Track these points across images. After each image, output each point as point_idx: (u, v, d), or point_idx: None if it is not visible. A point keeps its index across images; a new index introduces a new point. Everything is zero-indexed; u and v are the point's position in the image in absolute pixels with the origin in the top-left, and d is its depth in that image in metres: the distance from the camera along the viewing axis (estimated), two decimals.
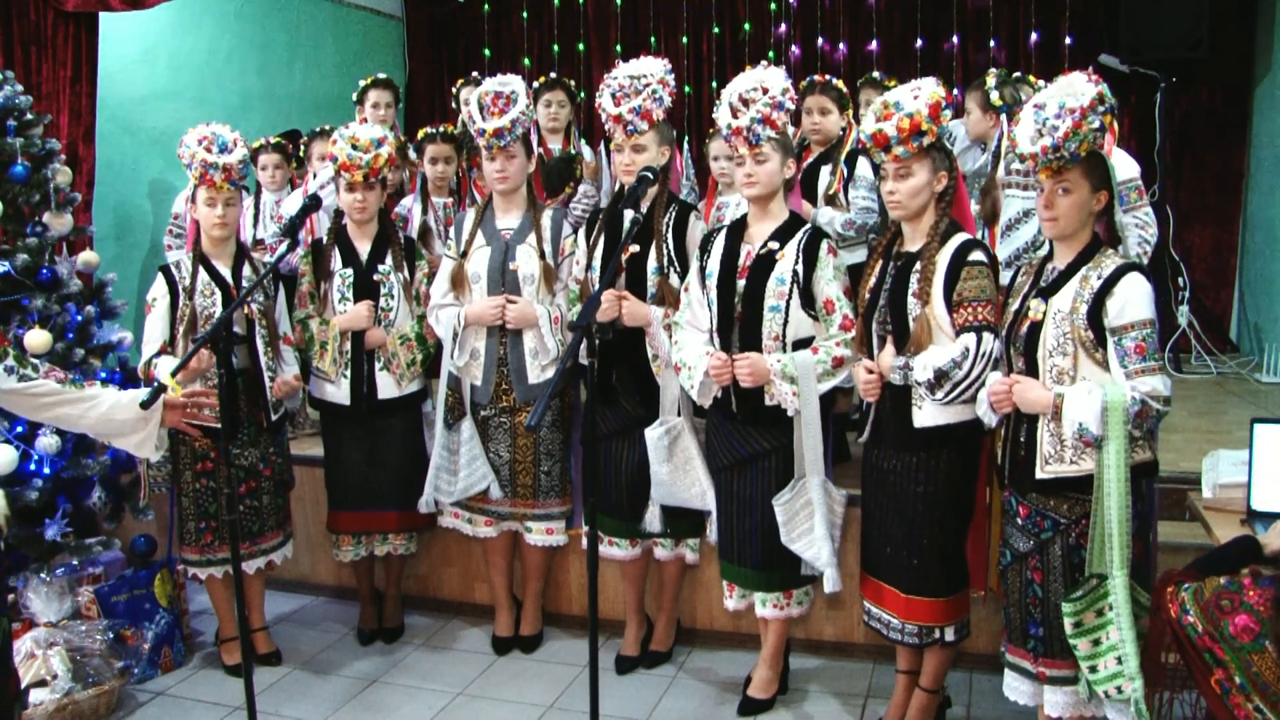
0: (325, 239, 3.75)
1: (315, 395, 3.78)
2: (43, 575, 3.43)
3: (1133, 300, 2.46)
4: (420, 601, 4.20)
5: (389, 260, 3.70)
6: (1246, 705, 2.08)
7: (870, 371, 2.88)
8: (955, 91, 4.63)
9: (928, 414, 2.79)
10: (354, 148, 3.54)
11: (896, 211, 2.85)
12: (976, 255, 2.76)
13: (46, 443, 3.52)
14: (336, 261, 3.68)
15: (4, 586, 2.42)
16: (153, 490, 3.46)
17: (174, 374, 2.80)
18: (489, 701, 3.48)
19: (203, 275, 3.47)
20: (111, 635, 3.45)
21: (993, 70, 4.12)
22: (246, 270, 3.57)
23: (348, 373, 3.65)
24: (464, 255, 3.59)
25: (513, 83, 3.53)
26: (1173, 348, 5.91)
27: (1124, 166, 4.00)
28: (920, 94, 2.76)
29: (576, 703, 3.41)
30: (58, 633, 3.32)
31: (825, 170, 4.07)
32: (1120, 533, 2.44)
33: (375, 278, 3.67)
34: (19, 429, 3.52)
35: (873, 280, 2.94)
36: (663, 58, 3.42)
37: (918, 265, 2.79)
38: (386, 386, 3.69)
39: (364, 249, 3.70)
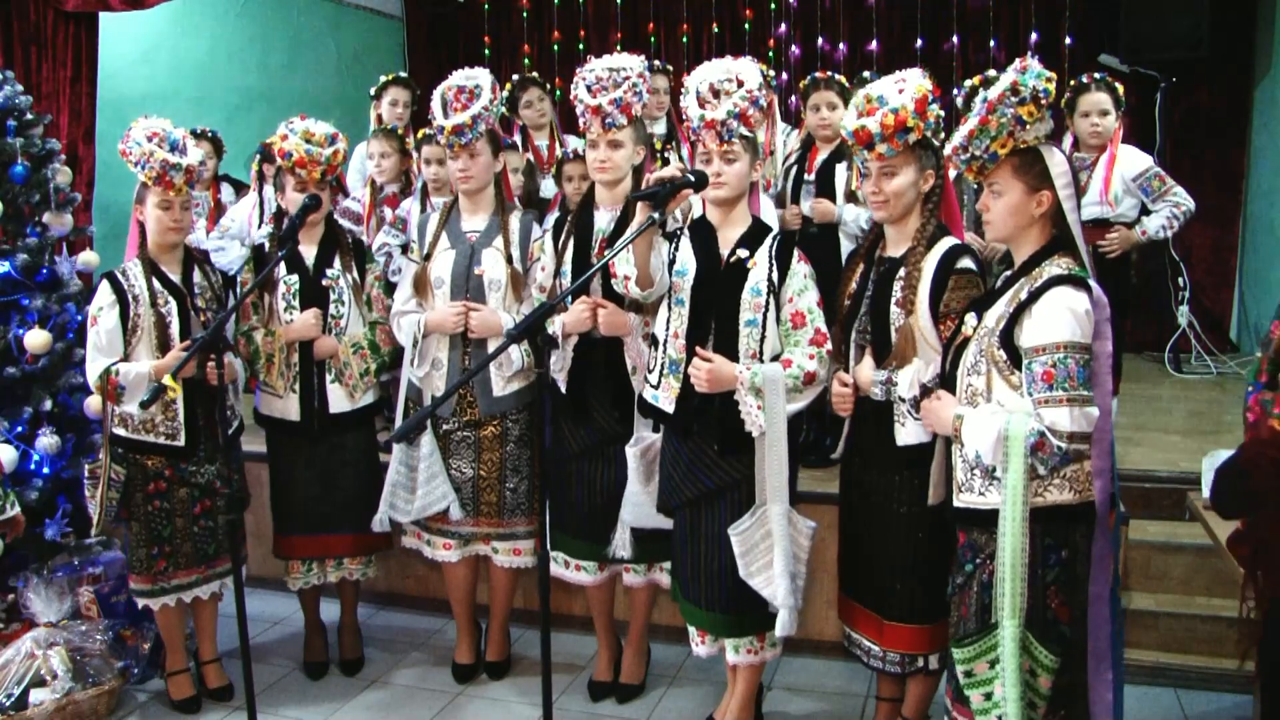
0: (267, 245, 3.50)
1: (262, 411, 3.50)
2: (43, 575, 3.42)
3: (1049, 319, 2.19)
4: (421, 601, 4.20)
5: (337, 264, 3.45)
6: None
7: (845, 385, 2.70)
8: (955, 91, 4.60)
9: (911, 432, 2.59)
10: (309, 142, 3.30)
11: (880, 213, 2.66)
12: (965, 263, 2.55)
13: (46, 443, 3.52)
14: (280, 268, 3.41)
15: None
16: (107, 517, 3.22)
17: (175, 374, 2.79)
18: (489, 701, 3.48)
19: (155, 282, 3.23)
20: (111, 635, 3.45)
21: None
22: (197, 276, 3.34)
23: (297, 387, 3.41)
24: (427, 258, 3.37)
25: (478, 76, 3.32)
26: (1173, 348, 5.93)
27: (1135, 161, 4.01)
28: (906, 87, 2.55)
29: (576, 702, 3.43)
30: (58, 633, 3.31)
31: (841, 167, 3.97)
32: (1012, 579, 2.20)
33: (324, 283, 3.43)
34: (19, 429, 3.53)
35: (853, 286, 2.76)
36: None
37: (901, 272, 2.60)
38: (338, 400, 3.45)
39: (310, 254, 3.44)
